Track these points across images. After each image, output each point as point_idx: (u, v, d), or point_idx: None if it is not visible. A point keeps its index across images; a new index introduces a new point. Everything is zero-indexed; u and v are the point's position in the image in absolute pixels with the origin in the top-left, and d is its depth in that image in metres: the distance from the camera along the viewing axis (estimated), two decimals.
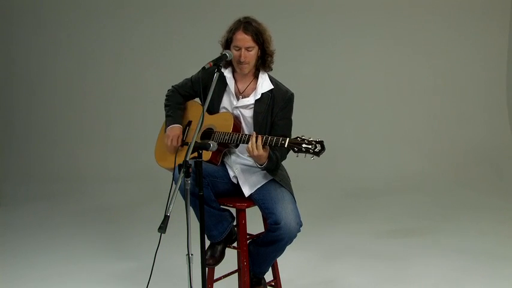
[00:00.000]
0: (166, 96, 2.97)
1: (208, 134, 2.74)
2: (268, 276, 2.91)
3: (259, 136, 2.49)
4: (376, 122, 6.16)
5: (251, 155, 2.52)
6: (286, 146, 2.41)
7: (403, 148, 6.05)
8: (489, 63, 6.24)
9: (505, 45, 6.23)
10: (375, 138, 6.11)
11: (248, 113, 2.75)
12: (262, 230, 2.86)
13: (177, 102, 2.93)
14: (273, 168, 2.65)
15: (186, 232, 2.23)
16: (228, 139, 2.64)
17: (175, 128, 2.84)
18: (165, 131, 2.88)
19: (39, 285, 3.52)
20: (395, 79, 6.21)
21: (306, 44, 6.13)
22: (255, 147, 2.47)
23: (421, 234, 4.33)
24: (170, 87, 2.98)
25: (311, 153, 2.36)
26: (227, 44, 2.72)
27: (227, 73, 2.78)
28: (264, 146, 2.48)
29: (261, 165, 2.58)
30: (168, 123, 2.88)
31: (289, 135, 2.72)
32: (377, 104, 6.18)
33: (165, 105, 2.95)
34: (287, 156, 2.71)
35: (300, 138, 2.39)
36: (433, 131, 6.16)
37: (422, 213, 4.90)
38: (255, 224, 2.95)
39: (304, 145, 2.37)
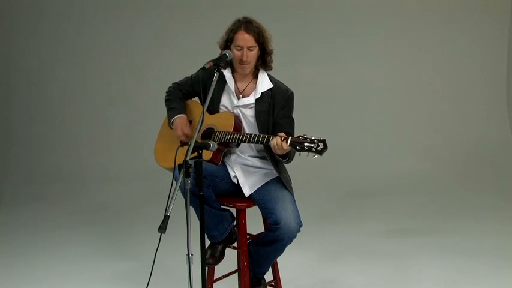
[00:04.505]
0: (167, 92, 2.96)
1: (208, 133, 2.74)
2: (268, 276, 2.91)
3: (282, 136, 2.43)
4: (376, 122, 6.16)
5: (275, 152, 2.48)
6: (288, 144, 2.40)
7: (403, 148, 6.05)
8: (489, 62, 6.24)
9: (505, 45, 6.24)
10: (375, 138, 6.11)
11: (249, 113, 2.75)
12: (262, 230, 2.86)
13: (178, 97, 2.92)
14: (291, 156, 2.59)
15: (186, 232, 2.23)
16: (229, 139, 2.64)
17: (182, 118, 2.83)
18: (170, 124, 2.85)
19: (39, 285, 3.52)
20: (395, 79, 6.21)
21: (305, 44, 6.12)
22: (279, 148, 2.44)
23: (421, 234, 4.33)
24: (171, 84, 2.98)
25: (313, 152, 2.36)
26: (227, 44, 2.71)
27: (226, 73, 2.78)
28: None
29: (284, 157, 2.54)
30: (171, 115, 2.86)
31: (293, 133, 2.72)
32: (377, 104, 6.18)
33: (166, 100, 2.93)
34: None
35: (302, 136, 2.39)
36: (433, 130, 6.16)
37: (422, 213, 4.89)
38: (255, 224, 2.95)
39: (306, 144, 2.36)
